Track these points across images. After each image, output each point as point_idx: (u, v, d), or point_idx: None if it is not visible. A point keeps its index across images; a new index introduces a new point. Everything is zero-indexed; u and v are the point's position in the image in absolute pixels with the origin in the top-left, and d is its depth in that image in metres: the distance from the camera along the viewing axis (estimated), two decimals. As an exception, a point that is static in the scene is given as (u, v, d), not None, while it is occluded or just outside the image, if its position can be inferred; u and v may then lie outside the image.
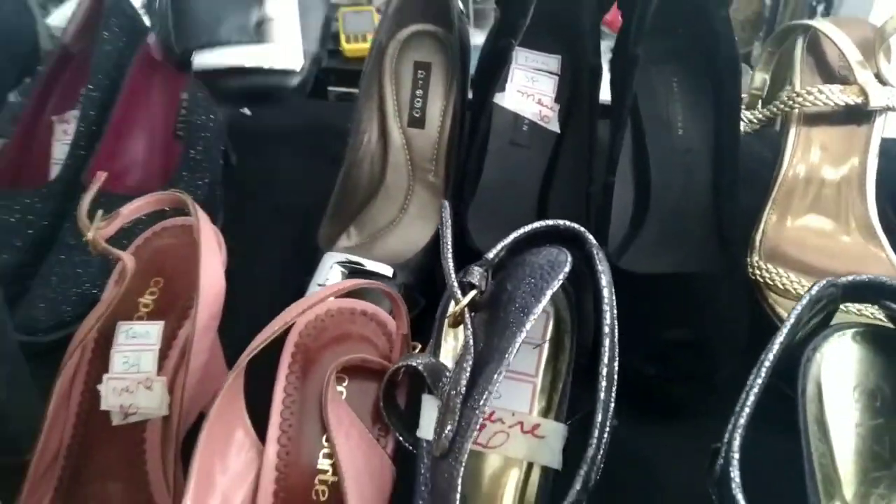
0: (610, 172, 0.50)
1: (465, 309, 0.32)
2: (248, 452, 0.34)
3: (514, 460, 0.33)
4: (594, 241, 0.33)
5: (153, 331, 0.40)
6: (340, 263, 0.48)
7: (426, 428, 0.33)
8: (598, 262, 0.32)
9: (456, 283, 0.32)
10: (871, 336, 0.32)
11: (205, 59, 0.38)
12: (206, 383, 0.38)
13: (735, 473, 0.27)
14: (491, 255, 0.33)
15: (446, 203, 0.34)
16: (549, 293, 0.30)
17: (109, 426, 0.39)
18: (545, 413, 0.34)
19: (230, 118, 0.64)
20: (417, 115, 0.58)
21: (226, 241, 0.43)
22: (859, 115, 0.50)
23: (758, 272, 0.48)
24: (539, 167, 0.54)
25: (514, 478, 0.33)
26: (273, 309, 0.37)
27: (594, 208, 0.50)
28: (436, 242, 0.50)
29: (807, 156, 0.51)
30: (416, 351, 0.36)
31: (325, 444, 0.35)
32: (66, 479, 0.39)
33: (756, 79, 0.58)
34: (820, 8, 1.08)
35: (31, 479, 0.38)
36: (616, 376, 0.31)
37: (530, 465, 0.33)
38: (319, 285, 0.46)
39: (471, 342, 0.31)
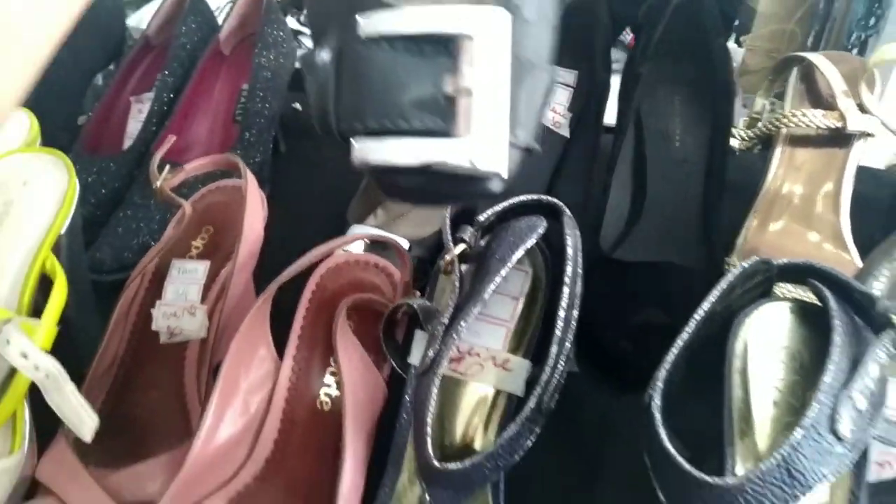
0: (609, 173, 0.57)
1: (455, 259, 0.38)
2: (268, 366, 0.41)
3: (485, 388, 0.40)
4: (568, 212, 0.40)
5: (201, 268, 0.47)
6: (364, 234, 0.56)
7: (415, 356, 0.40)
8: (567, 228, 0.38)
9: (450, 238, 0.39)
10: (800, 309, 0.38)
11: (368, 152, 0.23)
12: (239, 316, 0.45)
13: (656, 406, 0.33)
14: (482, 217, 0.40)
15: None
16: (522, 248, 0.37)
17: (157, 344, 0.47)
18: (514, 352, 0.40)
19: (283, 110, 0.73)
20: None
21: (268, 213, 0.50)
22: (839, 139, 0.55)
23: (732, 268, 0.53)
24: (548, 166, 0.60)
25: (484, 402, 0.39)
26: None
27: (592, 203, 0.56)
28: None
29: (789, 172, 0.57)
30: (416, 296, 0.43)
31: (332, 364, 0.42)
32: (117, 386, 0.46)
33: (757, 103, 0.63)
34: (855, 52, 1.12)
35: (87, 383, 0.46)
36: (574, 323, 0.37)
37: (498, 393, 0.40)
38: (344, 251, 0.53)
39: (457, 285, 0.38)
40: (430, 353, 0.37)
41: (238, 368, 0.39)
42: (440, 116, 0.22)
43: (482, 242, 0.41)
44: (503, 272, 0.36)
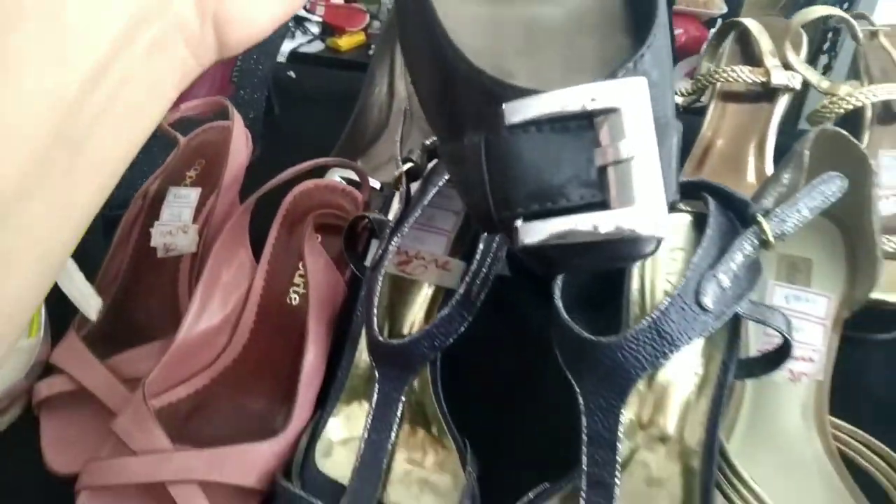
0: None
1: (403, 175, 0.45)
2: (246, 268, 0.48)
3: (427, 285, 0.47)
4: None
5: (193, 194, 0.54)
6: (341, 176, 0.63)
7: (370, 259, 0.47)
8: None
9: (400, 159, 0.46)
10: (696, 219, 0.44)
11: (534, 234, 0.24)
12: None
13: (558, 298, 0.40)
14: (428, 142, 0.47)
15: (407, 110, 0.48)
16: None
17: (155, 258, 0.54)
18: (454, 255, 0.47)
19: (277, 72, 0.80)
20: (419, 75, 0.72)
21: (257, 168, 0.58)
22: (766, 94, 0.62)
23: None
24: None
25: (428, 299, 0.47)
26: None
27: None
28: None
29: (721, 123, 0.63)
30: (373, 213, 0.50)
31: (301, 268, 0.49)
32: (120, 294, 0.54)
33: (703, 66, 0.70)
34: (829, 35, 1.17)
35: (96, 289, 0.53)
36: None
37: (439, 290, 0.47)
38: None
39: (404, 197, 0.45)
40: (379, 252, 0.44)
41: (220, 268, 0.47)
42: (597, 189, 0.23)
43: (430, 164, 0.48)
44: (440, 182, 0.43)
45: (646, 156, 0.23)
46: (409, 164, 0.46)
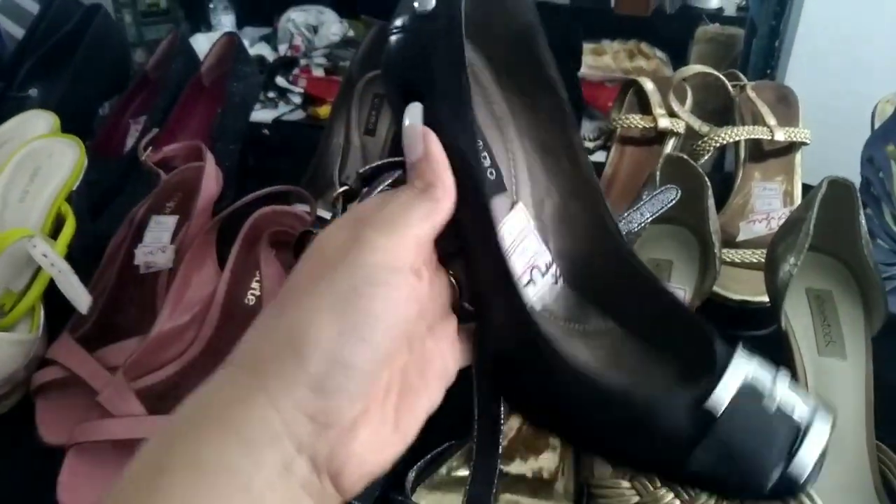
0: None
1: (340, 196, 0.56)
2: (212, 274, 0.58)
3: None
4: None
5: (171, 221, 0.65)
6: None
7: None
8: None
9: (338, 182, 0.57)
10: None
11: None
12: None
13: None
14: (362, 170, 0.58)
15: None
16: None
17: (138, 274, 0.64)
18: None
19: (253, 131, 0.93)
20: (371, 128, 0.84)
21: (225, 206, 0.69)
22: (657, 138, 0.74)
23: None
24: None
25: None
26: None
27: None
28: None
29: (620, 162, 0.75)
30: (319, 231, 0.61)
31: (257, 275, 0.59)
32: (107, 303, 0.63)
33: (612, 114, 0.82)
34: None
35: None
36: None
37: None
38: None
39: (339, 216, 0.56)
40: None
41: (189, 275, 0.57)
42: None
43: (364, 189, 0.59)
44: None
45: None
46: (344, 188, 0.57)
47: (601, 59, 1.74)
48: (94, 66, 0.90)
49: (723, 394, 0.28)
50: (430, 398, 0.30)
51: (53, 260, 0.54)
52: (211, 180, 0.64)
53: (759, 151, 0.74)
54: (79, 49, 0.89)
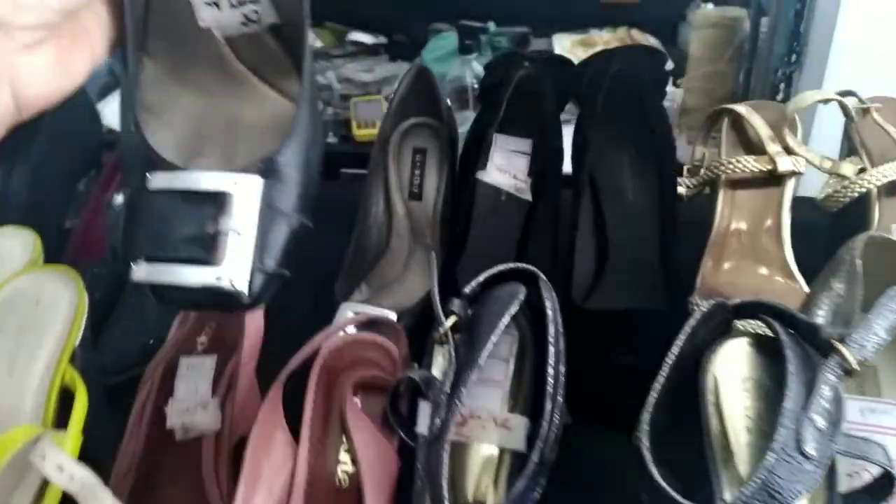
0: (573, 229, 0.62)
1: (448, 330, 0.42)
2: (286, 449, 0.44)
3: (489, 448, 0.43)
4: (543, 277, 0.44)
5: (208, 362, 0.50)
6: (354, 311, 0.59)
7: (422, 425, 0.43)
8: (544, 292, 0.42)
9: (441, 311, 0.43)
10: (757, 341, 0.43)
11: (148, 274, 0.32)
12: (250, 405, 0.49)
13: (646, 447, 0.37)
14: (468, 289, 0.44)
15: (433, 253, 0.46)
16: (508, 315, 0.41)
17: (173, 442, 0.49)
18: (512, 410, 0.44)
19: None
20: (416, 191, 0.70)
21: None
22: (773, 178, 0.61)
23: (695, 308, 0.58)
24: (516, 228, 0.65)
25: (491, 461, 0.43)
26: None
27: (561, 259, 0.61)
28: (428, 295, 0.62)
29: (733, 212, 0.62)
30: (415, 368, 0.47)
31: (345, 441, 0.45)
32: (140, 486, 0.48)
33: (696, 152, 0.69)
34: (782, 86, 1.21)
35: (110, 486, 0.48)
36: (562, 377, 0.41)
37: (503, 451, 0.43)
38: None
39: (453, 355, 0.42)
40: (437, 421, 0.40)
41: (259, 456, 0.42)
42: (204, 249, 0.32)
43: (469, 311, 0.45)
44: (493, 339, 0.41)
45: (244, 232, 0.32)
46: (452, 319, 0.43)
47: (593, 51, 1.61)
48: (59, 135, 0.73)
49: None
50: (93, 53, 0.35)
51: (72, 472, 0.39)
52: (256, 312, 0.49)
53: (893, 185, 0.62)
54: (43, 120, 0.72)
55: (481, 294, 0.45)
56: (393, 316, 0.59)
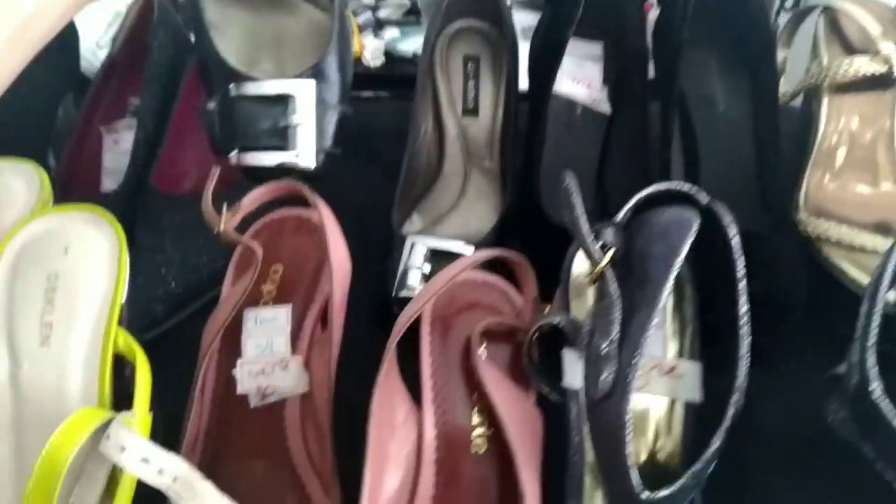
0: (665, 146, 0.54)
1: (608, 265, 0.35)
2: (408, 417, 0.36)
3: (656, 400, 0.37)
4: (708, 196, 0.37)
5: (281, 314, 0.41)
6: (424, 245, 0.51)
7: (572, 378, 0.36)
8: (723, 217, 0.35)
9: (595, 245, 0.35)
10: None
11: (243, 159, 0.43)
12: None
13: (876, 385, 0.31)
14: (620, 216, 0.37)
15: (570, 172, 0.38)
16: (686, 246, 0.34)
17: (247, 408, 0.41)
18: (679, 355, 0.37)
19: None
20: (471, 106, 0.60)
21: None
22: (882, 80, 0.55)
23: (809, 227, 0.52)
24: (594, 146, 0.57)
25: (658, 416, 0.37)
26: (358, 293, 0.42)
27: (653, 181, 0.54)
28: (501, 223, 0.53)
29: (840, 122, 0.56)
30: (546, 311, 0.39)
31: (475, 400, 0.38)
32: (206, 462, 0.40)
33: (778, 54, 0.62)
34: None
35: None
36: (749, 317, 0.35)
37: (672, 404, 0.37)
38: (415, 267, 0.48)
39: (618, 295, 0.34)
40: (607, 375, 0.33)
41: (382, 429, 0.35)
42: (280, 139, 0.43)
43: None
44: (672, 274, 0.33)
45: (306, 123, 0.44)
46: (611, 252, 0.35)
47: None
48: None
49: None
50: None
51: (161, 464, 0.30)
52: (338, 242, 0.40)
53: None
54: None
55: (632, 220, 0.37)
56: (468, 249, 0.51)
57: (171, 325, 0.51)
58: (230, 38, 0.48)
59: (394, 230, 0.54)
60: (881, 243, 0.50)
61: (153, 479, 0.30)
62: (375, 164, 0.63)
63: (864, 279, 0.49)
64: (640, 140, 0.56)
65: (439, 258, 0.49)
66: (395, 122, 0.61)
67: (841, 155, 0.55)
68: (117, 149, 0.63)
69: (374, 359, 0.39)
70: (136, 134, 0.59)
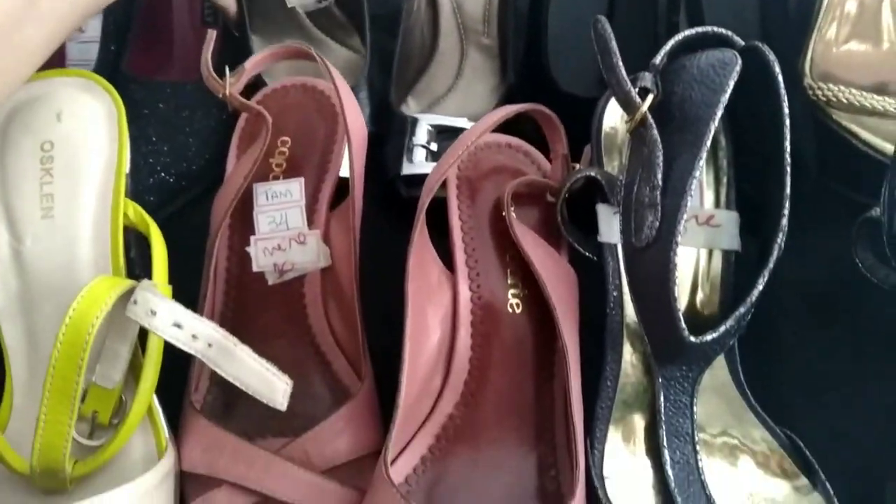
0: (673, 13, 0.52)
1: (647, 112, 0.33)
2: (441, 280, 0.35)
3: (693, 250, 0.36)
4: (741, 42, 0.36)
5: (295, 187, 0.39)
6: (429, 123, 0.48)
7: (608, 232, 0.35)
8: (769, 59, 0.34)
9: (634, 90, 0.34)
10: None
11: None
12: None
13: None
14: (657, 60, 0.35)
15: (601, 18, 0.35)
16: (728, 88, 0.32)
17: (263, 288, 0.39)
18: (716, 205, 0.36)
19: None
20: (464, -27, 0.57)
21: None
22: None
23: (819, 91, 0.51)
24: (601, 8, 0.55)
25: (696, 266, 0.36)
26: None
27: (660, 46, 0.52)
28: (504, 102, 0.51)
29: (846, -16, 0.54)
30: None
31: (508, 261, 0.36)
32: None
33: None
34: None
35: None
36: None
37: (710, 254, 0.36)
38: (419, 145, 0.46)
39: (659, 140, 0.33)
40: (652, 221, 0.32)
41: (420, 296, 0.33)
42: None
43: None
44: (716, 119, 0.32)
45: None
46: (650, 97, 0.34)
47: None
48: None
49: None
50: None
51: (195, 328, 0.29)
52: (353, 105, 0.38)
53: None
54: None
55: (667, 67, 0.36)
56: (469, 125, 0.48)
57: (167, 215, 0.48)
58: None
59: (392, 110, 0.52)
60: (890, 104, 0.50)
61: (187, 345, 0.29)
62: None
63: (875, 141, 0.48)
64: (647, 5, 0.54)
65: (443, 136, 0.47)
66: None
67: (845, 22, 0.54)
68: (82, 37, 0.58)
69: (387, 238, 0.37)
70: (104, 22, 0.54)
